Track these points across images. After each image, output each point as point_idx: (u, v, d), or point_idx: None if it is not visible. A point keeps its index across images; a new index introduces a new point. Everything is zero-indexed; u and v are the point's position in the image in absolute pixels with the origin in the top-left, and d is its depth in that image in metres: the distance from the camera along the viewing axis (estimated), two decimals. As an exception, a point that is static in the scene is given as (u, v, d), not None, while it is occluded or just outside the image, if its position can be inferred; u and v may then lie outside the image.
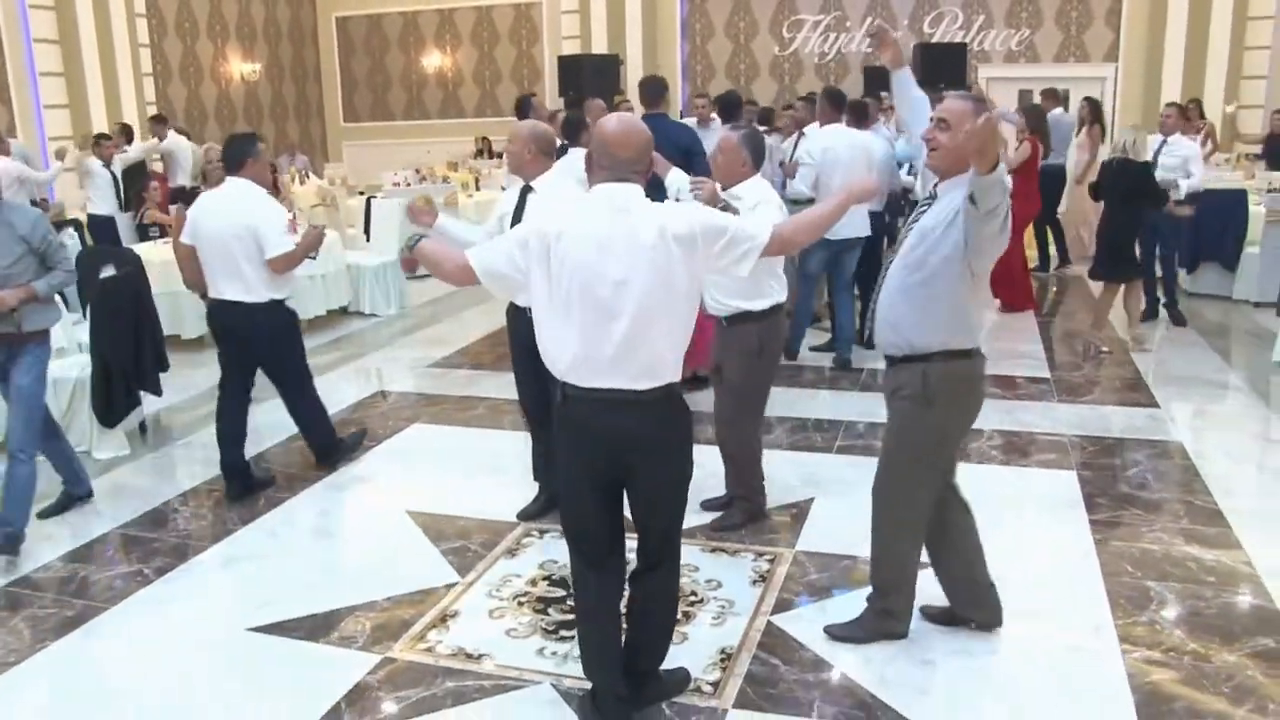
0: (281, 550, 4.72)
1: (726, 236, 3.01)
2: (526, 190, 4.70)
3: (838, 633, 3.81)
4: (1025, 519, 4.85)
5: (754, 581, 4.27)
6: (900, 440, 3.62)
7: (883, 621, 3.78)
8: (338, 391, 7.22)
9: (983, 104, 3.35)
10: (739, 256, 3.04)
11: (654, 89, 7.31)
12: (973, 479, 5.30)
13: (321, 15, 18.44)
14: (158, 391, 6.14)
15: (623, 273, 2.88)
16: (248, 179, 5.19)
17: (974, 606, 3.83)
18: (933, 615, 3.89)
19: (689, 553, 4.48)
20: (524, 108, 9.41)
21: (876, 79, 13.78)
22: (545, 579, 4.34)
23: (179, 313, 8.16)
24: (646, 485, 3.11)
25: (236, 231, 5.06)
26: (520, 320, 4.76)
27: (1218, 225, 9.31)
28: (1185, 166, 8.36)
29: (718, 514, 4.88)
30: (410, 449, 6.09)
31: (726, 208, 4.24)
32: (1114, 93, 14.34)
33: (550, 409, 4.73)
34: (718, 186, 4.45)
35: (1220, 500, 4.97)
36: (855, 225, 7.16)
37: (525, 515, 4.93)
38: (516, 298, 3.24)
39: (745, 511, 4.85)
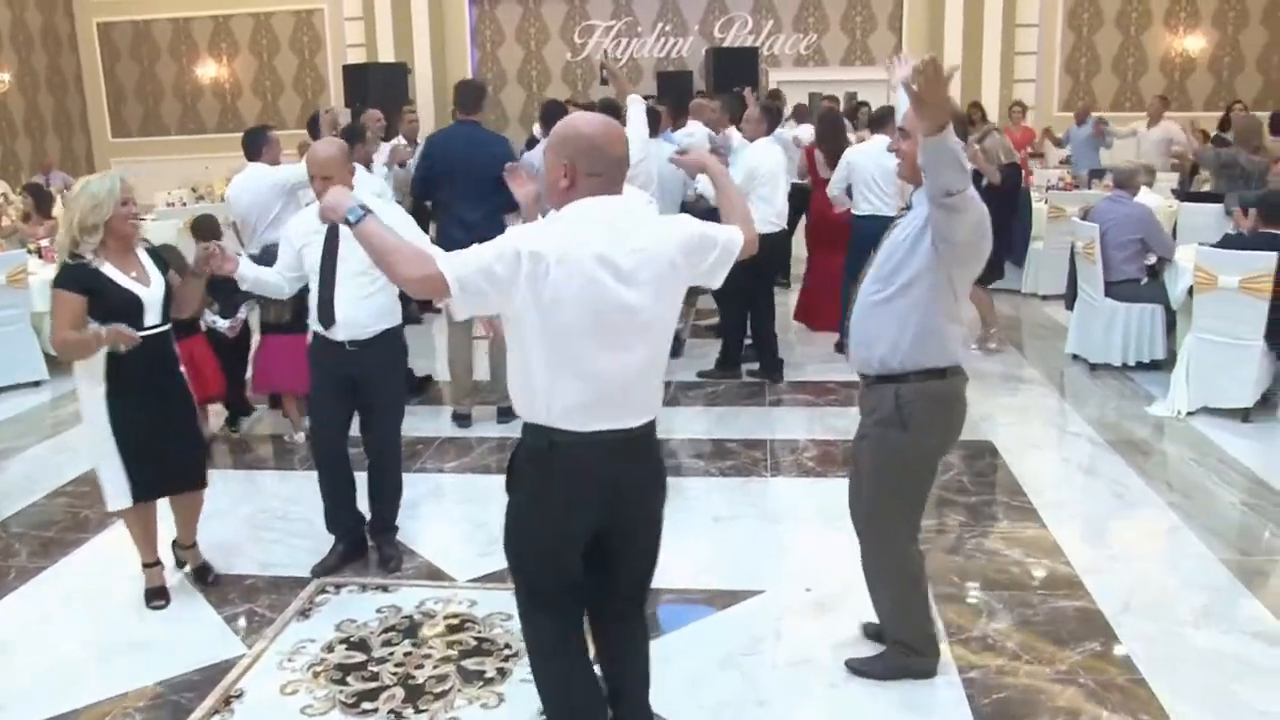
0: (29, 633, 4.10)
1: (718, 248, 2.71)
2: None
3: (858, 666, 3.59)
4: (847, 531, 4.68)
5: (574, 625, 3.97)
6: (877, 467, 3.39)
7: (904, 659, 3.53)
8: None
9: None
10: (719, 267, 2.74)
11: (473, 93, 6.75)
12: (789, 492, 5.23)
13: (80, 20, 17.10)
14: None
15: (638, 298, 2.52)
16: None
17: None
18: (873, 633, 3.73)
19: (499, 599, 4.18)
20: (314, 125, 8.49)
21: (669, 84, 13.80)
22: (343, 642, 3.92)
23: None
24: (639, 526, 2.81)
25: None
26: (328, 351, 4.34)
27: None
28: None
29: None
30: (189, 497, 5.51)
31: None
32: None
33: (332, 450, 4.41)
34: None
35: (1034, 498, 4.99)
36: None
37: (322, 570, 4.47)
38: (480, 313, 2.76)
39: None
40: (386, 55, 14.92)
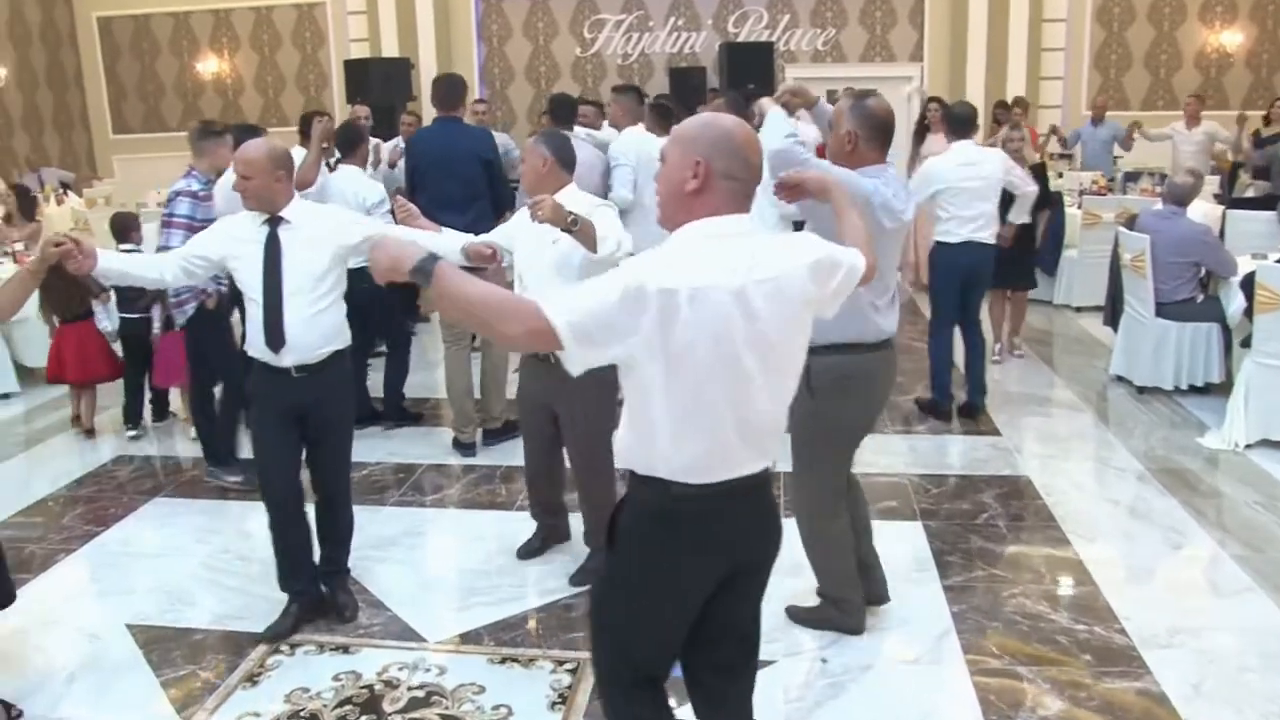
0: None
1: (843, 269, 2.36)
2: (276, 222, 3.73)
3: (797, 615, 3.84)
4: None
5: (553, 704, 3.44)
6: (791, 432, 3.51)
7: (830, 612, 3.79)
8: (68, 457, 6.08)
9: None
10: (839, 296, 2.40)
11: (451, 89, 6.19)
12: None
13: (80, 15, 16.64)
14: None
15: (772, 336, 2.18)
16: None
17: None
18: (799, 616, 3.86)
19: (472, 667, 3.67)
20: (306, 127, 7.66)
21: (682, 80, 13.27)
22: (292, 717, 3.41)
23: None
24: (754, 582, 2.44)
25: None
26: (270, 380, 3.82)
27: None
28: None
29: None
30: (144, 532, 5.01)
31: (576, 221, 3.65)
32: (922, 94, 14.18)
33: (284, 497, 3.87)
34: (554, 199, 3.74)
35: (1081, 549, 4.43)
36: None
37: (273, 634, 3.93)
38: (596, 364, 2.19)
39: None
40: (390, 50, 14.41)
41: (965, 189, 5.95)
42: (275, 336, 3.72)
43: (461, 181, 5.62)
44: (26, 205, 9.61)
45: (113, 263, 3.70)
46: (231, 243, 3.80)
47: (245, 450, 5.24)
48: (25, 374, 7.48)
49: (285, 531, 3.95)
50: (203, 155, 5.31)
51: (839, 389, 3.45)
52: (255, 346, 3.79)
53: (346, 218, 4.00)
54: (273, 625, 3.96)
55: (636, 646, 2.40)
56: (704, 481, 2.22)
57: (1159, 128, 11.67)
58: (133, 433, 6.35)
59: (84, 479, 5.69)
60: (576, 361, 2.12)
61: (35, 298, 5.74)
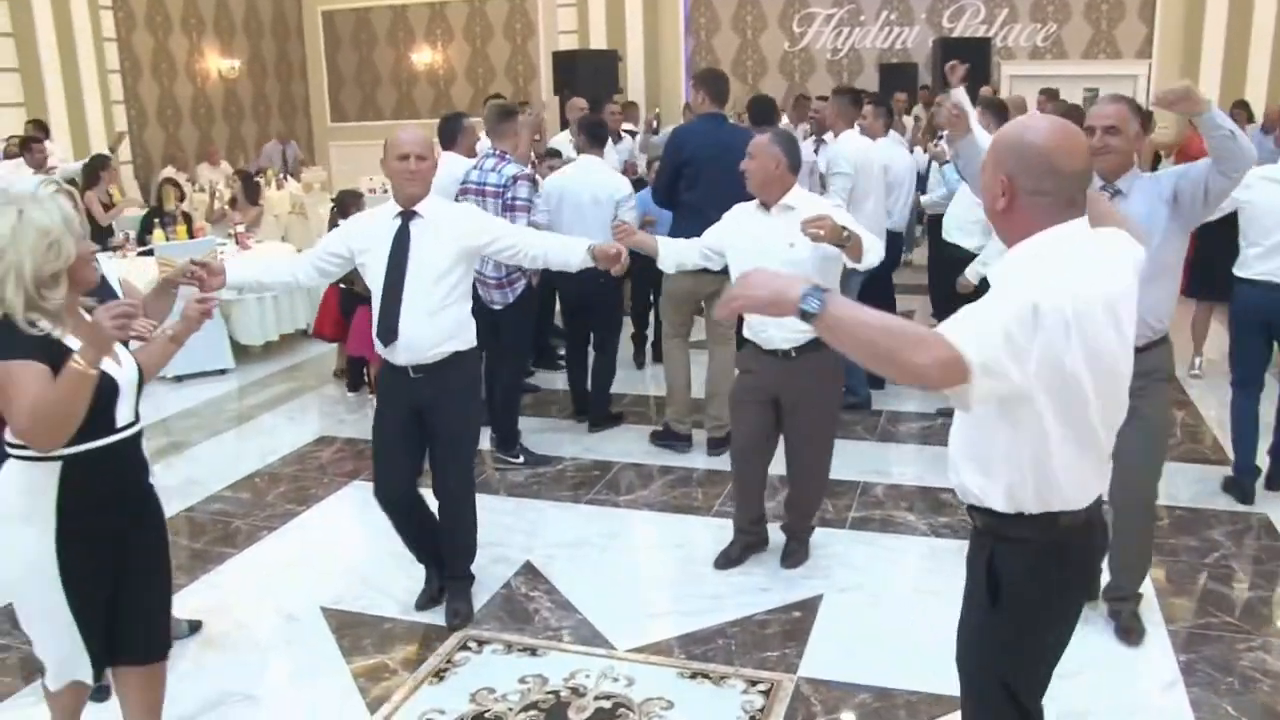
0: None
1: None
2: (409, 216, 3.74)
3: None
4: (1088, 631, 3.70)
5: (744, 728, 3.30)
6: (1162, 414, 3.73)
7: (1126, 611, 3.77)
8: (274, 435, 6.31)
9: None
10: None
11: (723, 85, 5.90)
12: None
13: (306, 9, 17.50)
14: None
15: (1129, 337, 2.13)
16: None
17: None
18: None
19: (661, 679, 3.55)
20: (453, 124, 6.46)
21: (892, 77, 12.87)
22: (476, 718, 3.38)
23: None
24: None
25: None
26: (392, 378, 3.88)
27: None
28: None
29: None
30: (345, 515, 5.13)
31: (850, 237, 3.71)
32: (1148, 92, 13.33)
33: (399, 497, 3.92)
34: (834, 217, 3.71)
35: (1331, 602, 3.99)
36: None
37: (425, 601, 4.10)
38: (991, 400, 1.98)
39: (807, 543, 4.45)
40: (598, 42, 14.55)
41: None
42: (387, 329, 3.74)
43: (736, 178, 5.48)
44: (251, 190, 10.13)
45: (245, 275, 3.83)
46: (364, 237, 3.83)
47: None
48: (240, 351, 7.85)
49: (400, 526, 4.05)
50: (504, 136, 5.51)
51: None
52: (376, 339, 3.83)
53: (479, 219, 3.99)
54: (421, 593, 4.12)
55: (1032, 695, 2.31)
56: (1083, 505, 2.15)
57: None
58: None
59: (289, 457, 5.88)
60: (973, 397, 1.89)
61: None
